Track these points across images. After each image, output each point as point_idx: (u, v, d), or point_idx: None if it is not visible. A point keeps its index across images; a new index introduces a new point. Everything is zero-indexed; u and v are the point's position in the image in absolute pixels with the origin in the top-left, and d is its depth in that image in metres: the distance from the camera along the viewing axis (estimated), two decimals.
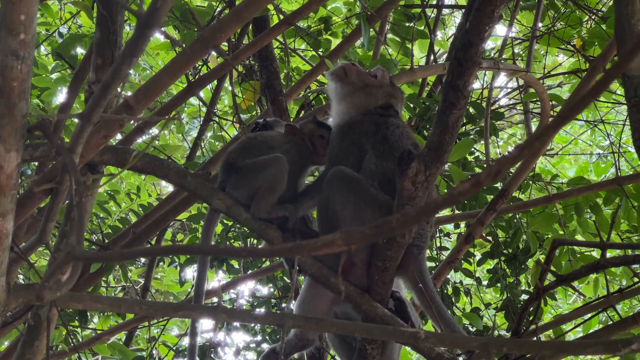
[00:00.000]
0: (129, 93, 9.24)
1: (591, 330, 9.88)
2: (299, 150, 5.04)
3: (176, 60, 3.98)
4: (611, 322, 4.66)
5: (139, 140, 6.72)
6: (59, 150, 3.46)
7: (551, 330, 5.66)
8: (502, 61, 7.77)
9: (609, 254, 4.71)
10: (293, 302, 5.59)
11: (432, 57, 8.27)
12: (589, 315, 4.74)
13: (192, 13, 4.65)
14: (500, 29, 9.61)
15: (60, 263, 2.63)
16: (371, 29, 6.67)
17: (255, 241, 7.74)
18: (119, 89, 3.41)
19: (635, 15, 3.88)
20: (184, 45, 3.81)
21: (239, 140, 5.10)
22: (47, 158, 4.51)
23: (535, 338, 4.55)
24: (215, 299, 7.76)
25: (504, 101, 9.39)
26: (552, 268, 6.84)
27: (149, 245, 7.67)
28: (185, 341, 9.84)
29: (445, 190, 7.16)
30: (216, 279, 7.71)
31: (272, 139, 5.02)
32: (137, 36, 2.78)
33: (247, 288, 8.11)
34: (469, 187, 2.36)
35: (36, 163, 6.98)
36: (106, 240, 7.20)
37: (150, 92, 4.02)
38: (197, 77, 7.42)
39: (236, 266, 7.44)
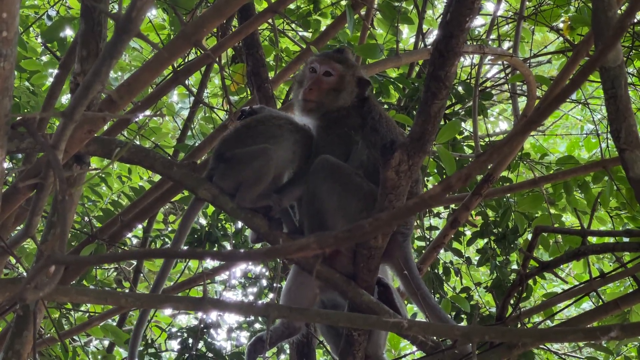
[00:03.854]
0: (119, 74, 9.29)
1: (582, 307, 9.99)
2: (307, 142, 5.05)
3: (158, 57, 4.01)
4: (594, 307, 4.71)
5: (125, 130, 6.73)
6: (43, 147, 3.49)
7: (542, 313, 5.73)
8: (489, 42, 7.79)
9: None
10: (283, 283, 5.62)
11: (420, 38, 8.27)
12: (571, 300, 4.79)
13: (175, 10, 4.67)
14: (488, 5, 9.60)
15: (41, 267, 2.66)
16: (356, 15, 6.68)
17: None
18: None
19: (612, 8, 3.90)
20: (161, 46, 3.83)
21: (235, 126, 5.09)
22: (34, 150, 4.53)
23: (519, 324, 4.60)
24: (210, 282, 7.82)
25: (492, 79, 9.39)
26: (540, 247, 6.94)
27: (153, 236, 7.73)
28: (179, 320, 9.93)
29: (435, 171, 7.22)
30: (205, 264, 7.76)
31: (278, 128, 4.99)
32: (116, 40, 2.81)
33: (239, 268, 8.15)
34: (440, 191, 2.40)
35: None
36: (98, 224, 7.24)
37: (133, 87, 4.05)
38: (181, 65, 7.43)
39: (229, 248, 7.48)
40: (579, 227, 4.52)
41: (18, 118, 3.84)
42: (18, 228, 6.66)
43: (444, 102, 4.31)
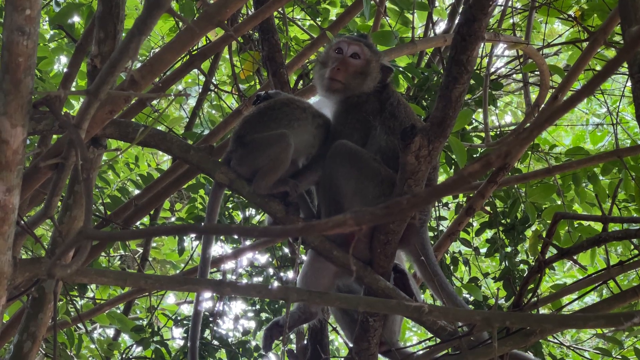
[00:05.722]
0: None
1: (585, 301, 9.99)
2: (327, 127, 5.03)
3: (180, 37, 3.99)
4: (611, 295, 4.68)
5: (140, 112, 6.70)
6: (66, 126, 3.47)
7: (550, 304, 5.70)
8: (502, 32, 7.77)
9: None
10: (296, 274, 5.60)
11: (430, 26, 8.26)
12: (590, 287, 4.77)
13: None
14: None
15: (72, 242, 2.64)
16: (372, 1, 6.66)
17: (254, 211, 7.76)
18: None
19: None
20: (189, 22, 3.80)
21: (259, 107, 5.05)
22: (50, 131, 4.51)
23: (536, 311, 4.58)
24: (215, 269, 7.80)
25: (502, 69, 9.39)
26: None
27: (157, 223, 7.69)
28: (184, 309, 9.91)
29: (444, 161, 7.20)
30: (218, 250, 7.74)
31: (302, 111, 4.96)
32: (146, 16, 2.79)
33: (245, 257, 8.13)
34: (479, 168, 2.37)
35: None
36: (108, 212, 7.22)
37: (155, 67, 4.04)
38: (197, 49, 7.41)
39: (236, 236, 7.47)
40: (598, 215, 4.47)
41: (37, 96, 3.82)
42: (29, 214, 6.65)
43: (465, 86, 4.29)
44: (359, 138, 4.91)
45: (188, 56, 5.95)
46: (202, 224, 5.62)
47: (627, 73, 4.88)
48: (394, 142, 4.80)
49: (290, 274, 7.88)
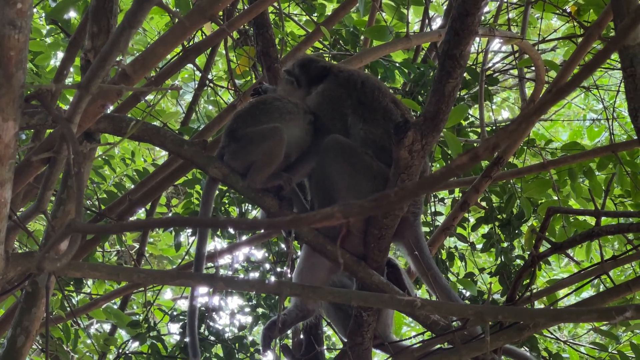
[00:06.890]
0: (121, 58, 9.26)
1: (582, 296, 9.99)
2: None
3: (173, 30, 3.99)
4: (605, 289, 4.68)
5: (134, 107, 6.69)
6: (57, 120, 3.47)
7: (545, 298, 5.70)
8: (497, 27, 7.76)
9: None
10: (289, 269, 5.60)
11: (426, 22, 8.25)
12: (583, 282, 4.77)
13: None
14: None
15: (61, 235, 2.64)
16: None
17: (249, 206, 7.75)
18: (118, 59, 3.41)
19: None
20: (180, 15, 3.80)
21: (250, 102, 5.06)
22: (44, 126, 4.51)
23: (529, 305, 4.59)
24: (211, 265, 7.80)
25: (498, 65, 9.38)
26: (546, 234, 6.92)
27: (151, 217, 7.67)
28: (180, 304, 9.93)
29: (440, 156, 7.20)
30: (213, 244, 7.72)
31: (294, 105, 4.95)
32: (136, 9, 2.78)
33: (241, 253, 8.12)
34: (467, 161, 2.37)
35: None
36: (102, 206, 7.21)
37: (147, 61, 4.03)
38: (191, 43, 7.40)
39: (232, 231, 7.47)
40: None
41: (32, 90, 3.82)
42: (22, 209, 6.64)
43: (458, 81, 4.28)
44: (341, 127, 4.92)
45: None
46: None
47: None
48: (372, 132, 4.83)
49: (286, 269, 7.87)
